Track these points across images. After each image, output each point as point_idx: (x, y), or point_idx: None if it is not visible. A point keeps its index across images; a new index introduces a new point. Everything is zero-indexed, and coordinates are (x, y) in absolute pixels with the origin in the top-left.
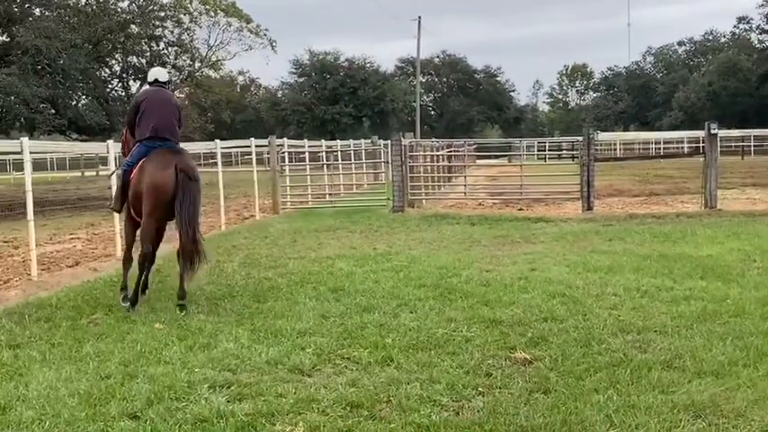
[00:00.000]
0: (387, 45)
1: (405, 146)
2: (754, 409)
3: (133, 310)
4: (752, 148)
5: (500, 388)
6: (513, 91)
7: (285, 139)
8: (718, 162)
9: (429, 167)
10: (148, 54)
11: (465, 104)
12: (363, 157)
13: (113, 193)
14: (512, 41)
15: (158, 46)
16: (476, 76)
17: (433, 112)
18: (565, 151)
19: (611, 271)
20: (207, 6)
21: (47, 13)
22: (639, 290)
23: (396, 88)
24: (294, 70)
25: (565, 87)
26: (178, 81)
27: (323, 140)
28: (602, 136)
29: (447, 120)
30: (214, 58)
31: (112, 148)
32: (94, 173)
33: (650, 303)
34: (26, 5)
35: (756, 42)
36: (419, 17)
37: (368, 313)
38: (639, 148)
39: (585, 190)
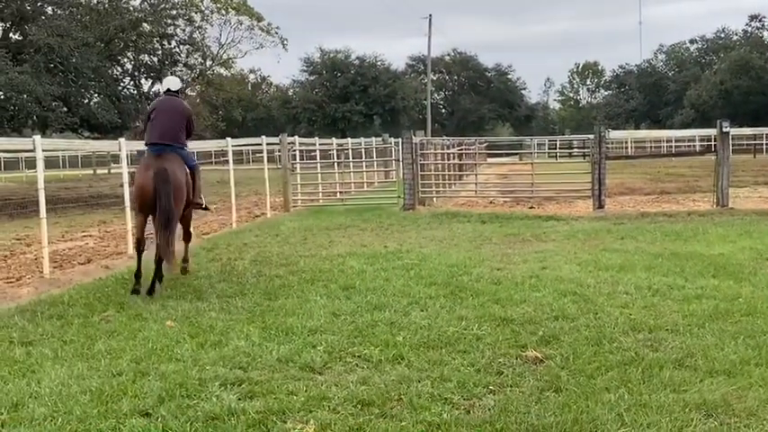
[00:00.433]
0: (398, 43)
1: (416, 144)
2: (766, 409)
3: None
4: (764, 147)
5: (511, 386)
6: (524, 89)
7: (296, 136)
8: (730, 160)
9: (440, 165)
10: (160, 52)
11: (476, 102)
12: (374, 155)
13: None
14: (523, 39)
15: (170, 44)
16: (487, 74)
17: (443, 110)
18: (576, 149)
19: (623, 269)
20: (218, 5)
21: (59, 12)
22: (651, 288)
23: (407, 86)
24: (305, 68)
25: (576, 85)
26: (189, 79)
27: (334, 138)
28: (614, 134)
29: (458, 118)
30: (225, 57)
31: (124, 146)
32: (106, 171)
33: (662, 302)
34: (38, 4)
35: None
36: (430, 15)
37: (379, 311)
38: (651, 147)
39: (597, 188)
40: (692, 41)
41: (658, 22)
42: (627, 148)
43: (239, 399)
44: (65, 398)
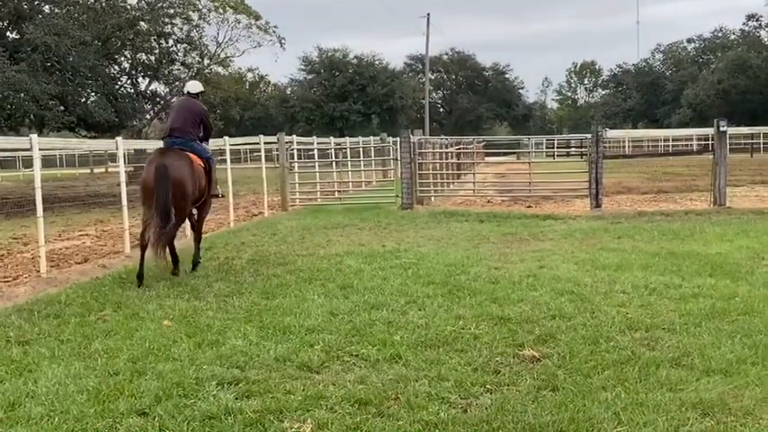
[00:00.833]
0: (396, 42)
1: (414, 143)
2: (762, 408)
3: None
4: (761, 146)
5: (508, 385)
6: (522, 88)
7: (294, 136)
8: (728, 159)
9: (438, 165)
10: (157, 51)
11: (474, 102)
12: (372, 155)
13: None
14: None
15: (167, 43)
16: (485, 73)
17: (441, 110)
18: (573, 148)
19: (620, 268)
20: (216, 3)
21: (56, 11)
22: (648, 287)
23: (405, 85)
24: (303, 67)
25: (573, 85)
26: (187, 78)
27: (332, 137)
28: (611, 133)
29: (456, 117)
30: (223, 55)
31: (121, 145)
32: (103, 169)
33: (658, 301)
34: (36, 2)
35: (766, 40)
36: (428, 14)
37: (376, 310)
38: (648, 146)
39: (594, 187)
40: (689, 41)
41: (656, 22)
42: (624, 147)
43: (236, 398)
44: (62, 397)
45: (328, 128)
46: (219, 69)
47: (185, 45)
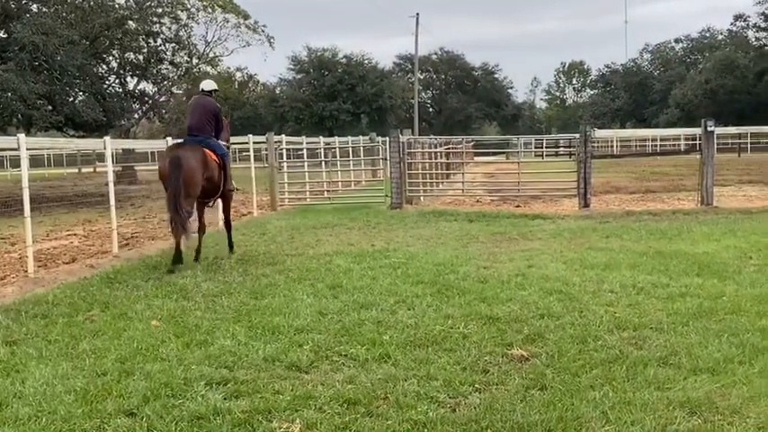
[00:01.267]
0: (385, 42)
1: (403, 143)
2: (749, 406)
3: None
4: (749, 146)
5: (497, 385)
6: (511, 88)
7: (283, 135)
8: (715, 159)
9: (427, 164)
10: (146, 50)
11: (463, 101)
12: (362, 154)
13: None
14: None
15: (156, 42)
16: (474, 73)
17: (431, 109)
18: (562, 148)
19: (608, 268)
20: (204, 3)
21: (44, 9)
22: (635, 287)
23: (394, 85)
24: (292, 67)
25: (562, 85)
26: (176, 77)
27: (321, 137)
28: (599, 133)
29: (445, 117)
30: (212, 55)
31: (109, 145)
32: (92, 169)
33: (646, 300)
34: (23, 1)
35: (753, 40)
36: (417, 14)
37: (365, 310)
38: (636, 146)
39: (582, 187)
40: (677, 41)
41: (644, 22)
42: (612, 147)
43: (225, 398)
44: (49, 397)
45: (317, 127)
46: (208, 69)
47: (174, 44)
